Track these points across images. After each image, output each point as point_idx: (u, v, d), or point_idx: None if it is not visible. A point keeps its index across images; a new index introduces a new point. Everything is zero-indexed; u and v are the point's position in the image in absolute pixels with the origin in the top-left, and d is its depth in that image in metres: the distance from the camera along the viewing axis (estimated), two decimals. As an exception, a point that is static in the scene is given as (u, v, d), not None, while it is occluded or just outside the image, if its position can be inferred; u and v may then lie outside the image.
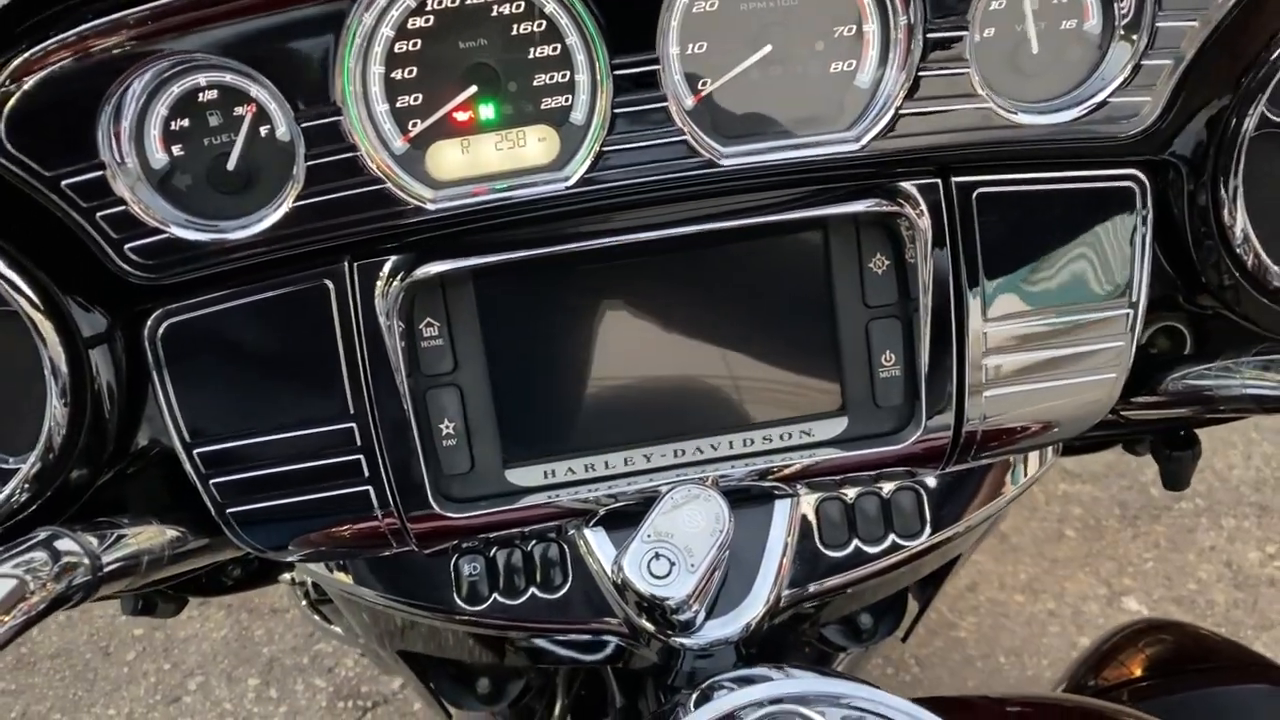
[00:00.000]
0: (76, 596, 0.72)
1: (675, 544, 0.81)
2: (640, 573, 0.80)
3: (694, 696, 0.79)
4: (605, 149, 0.80)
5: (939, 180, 0.83)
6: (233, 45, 0.74)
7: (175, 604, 1.19)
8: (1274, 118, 0.83)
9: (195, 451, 0.84)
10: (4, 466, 0.85)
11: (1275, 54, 0.80)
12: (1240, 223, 0.83)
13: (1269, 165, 0.83)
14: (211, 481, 0.85)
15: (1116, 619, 2.70)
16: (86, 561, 0.72)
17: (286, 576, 1.22)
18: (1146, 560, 2.97)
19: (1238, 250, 0.84)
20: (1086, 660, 1.30)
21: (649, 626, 0.86)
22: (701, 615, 0.84)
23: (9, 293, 0.78)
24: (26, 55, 0.72)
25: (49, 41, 0.71)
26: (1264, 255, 0.84)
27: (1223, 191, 0.83)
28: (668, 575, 0.80)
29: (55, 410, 0.82)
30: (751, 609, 0.89)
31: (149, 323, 0.81)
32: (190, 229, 0.79)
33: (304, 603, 1.38)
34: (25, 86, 0.72)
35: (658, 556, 0.81)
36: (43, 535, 0.73)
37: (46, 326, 0.80)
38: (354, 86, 0.77)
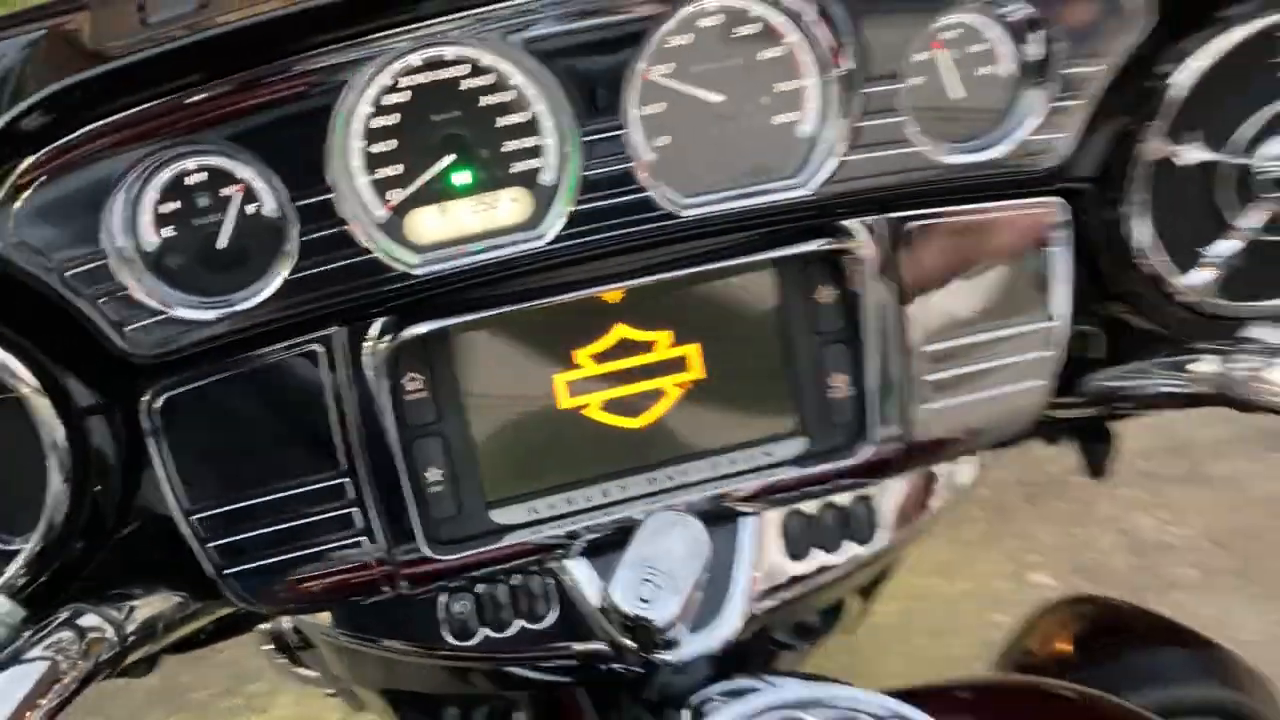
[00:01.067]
0: (105, 671, 0.75)
1: (659, 568, 0.87)
2: (629, 599, 0.86)
3: (687, 715, 0.85)
4: (576, 208, 0.85)
5: (877, 216, 0.91)
6: (228, 133, 0.78)
7: (147, 663, 1.21)
8: (1168, 144, 0.92)
9: (193, 518, 0.88)
10: (6, 548, 0.87)
11: (1165, 87, 0.90)
12: (1142, 237, 0.93)
13: (1169, 184, 0.93)
14: (209, 545, 0.88)
15: (1027, 594, 2.85)
16: (112, 634, 0.75)
17: (264, 626, 1.25)
18: (1050, 535, 3.14)
19: (1140, 261, 0.94)
20: (1017, 641, 1.39)
21: (633, 645, 0.92)
22: (685, 633, 0.90)
23: (7, 376, 0.81)
24: (37, 156, 0.74)
25: (60, 142, 0.74)
26: (1163, 266, 0.94)
27: (1126, 209, 0.93)
28: (654, 600, 0.86)
29: (56, 489, 0.84)
30: (729, 623, 0.95)
31: (146, 397, 0.84)
32: (189, 308, 0.82)
33: (271, 647, 1.40)
34: (36, 185, 0.75)
35: (644, 582, 0.87)
36: (65, 614, 0.75)
37: (45, 407, 0.82)
38: (341, 163, 0.81)
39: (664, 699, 0.95)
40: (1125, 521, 3.13)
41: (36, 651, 0.71)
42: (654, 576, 0.87)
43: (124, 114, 0.75)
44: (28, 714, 0.69)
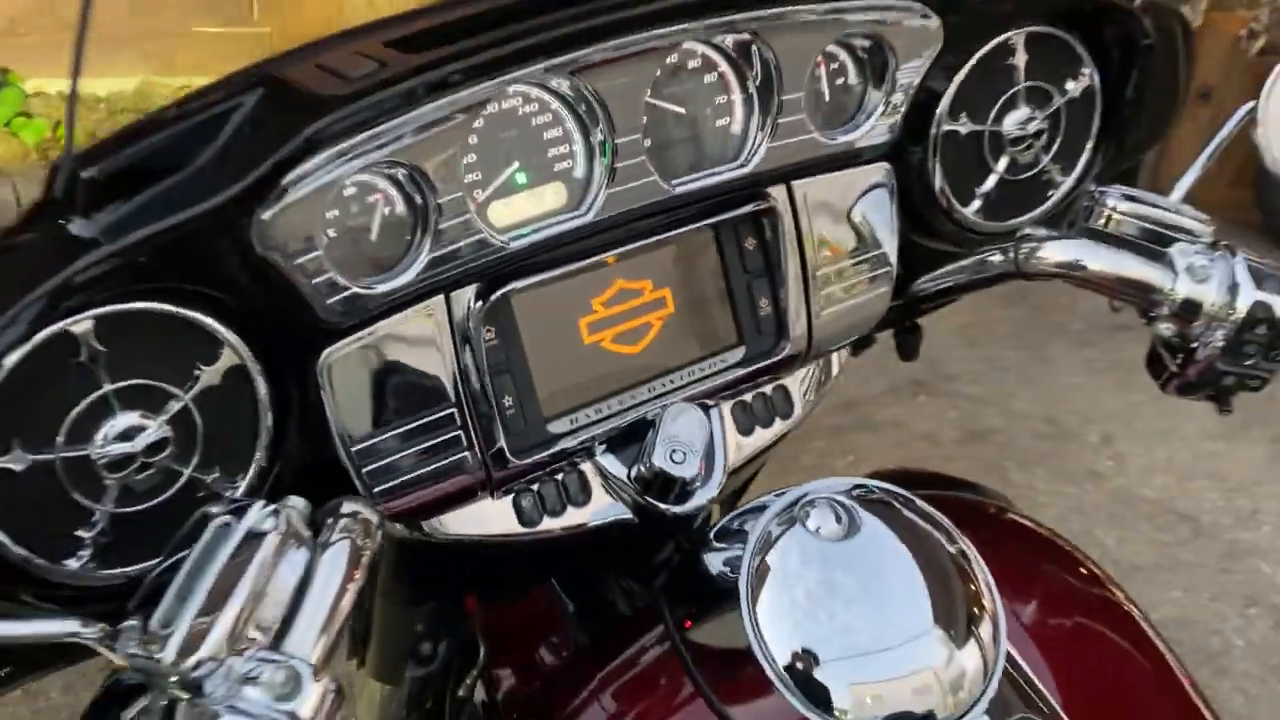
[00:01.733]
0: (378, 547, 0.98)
1: (681, 440, 1.26)
2: (666, 463, 1.23)
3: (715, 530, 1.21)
4: (610, 191, 1.22)
5: (786, 185, 1.34)
6: (401, 156, 1.06)
7: None
8: (951, 122, 1.41)
9: (351, 449, 1.14)
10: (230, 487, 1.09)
11: (947, 84, 1.37)
12: (939, 183, 1.42)
13: (953, 147, 1.42)
14: (362, 470, 1.15)
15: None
16: (373, 515, 1.01)
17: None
18: (761, 486, 3.71)
19: (939, 200, 1.43)
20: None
21: (659, 504, 1.27)
22: (698, 489, 1.28)
23: (229, 348, 1.05)
24: (298, 173, 1.00)
25: (309, 164, 0.99)
26: (954, 201, 1.44)
27: (928, 166, 1.41)
28: (682, 462, 1.25)
29: (264, 441, 1.09)
30: (718, 483, 1.33)
31: (324, 355, 1.10)
32: (365, 286, 1.09)
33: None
34: (294, 198, 1.00)
35: (674, 451, 1.25)
36: (333, 504, 0.99)
37: (259, 372, 1.07)
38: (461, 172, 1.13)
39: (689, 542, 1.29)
40: (823, 468, 3.78)
41: (335, 535, 0.95)
42: (679, 447, 1.26)
43: (346, 143, 1.02)
44: (348, 586, 0.87)
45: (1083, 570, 1.25)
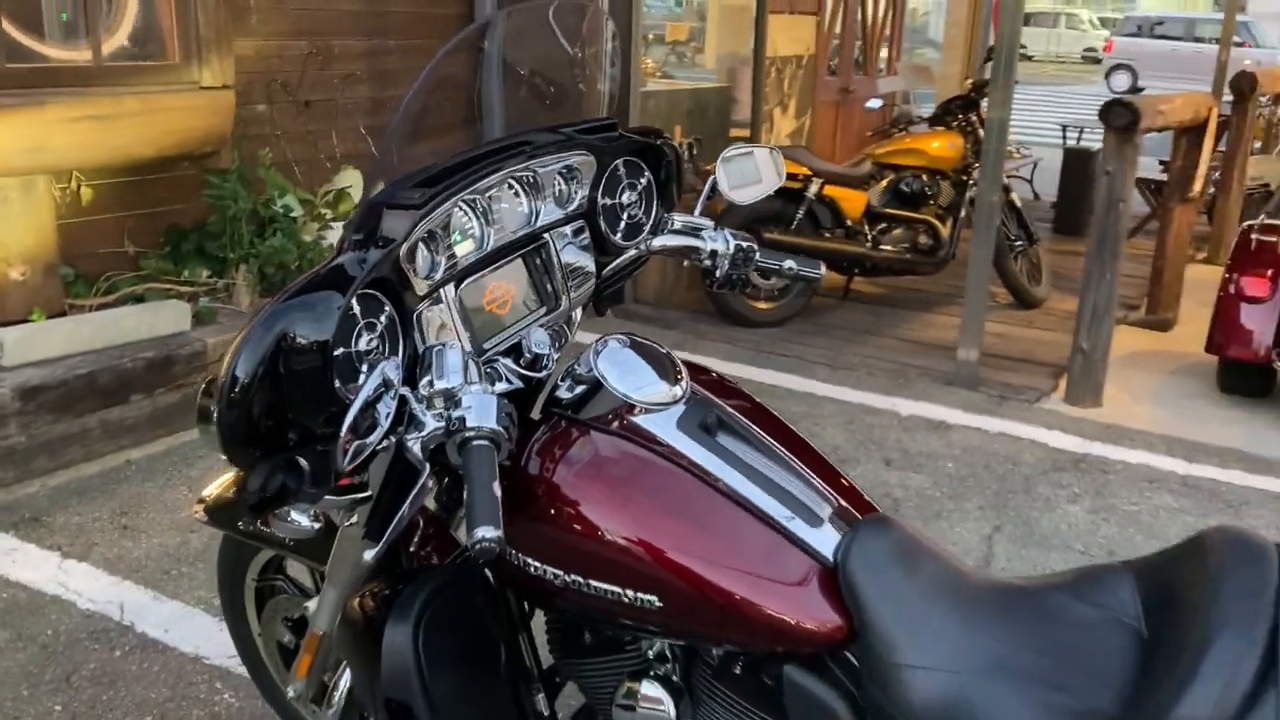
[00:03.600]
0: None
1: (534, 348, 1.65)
2: (530, 352, 1.63)
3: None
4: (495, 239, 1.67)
5: (548, 234, 1.79)
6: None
7: None
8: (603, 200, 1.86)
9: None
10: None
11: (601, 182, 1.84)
12: (603, 227, 1.87)
13: (607, 210, 1.87)
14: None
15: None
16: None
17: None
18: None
19: (605, 234, 1.88)
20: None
21: (531, 374, 1.65)
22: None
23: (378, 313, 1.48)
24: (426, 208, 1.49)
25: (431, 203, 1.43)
26: (610, 234, 1.89)
27: (599, 220, 1.87)
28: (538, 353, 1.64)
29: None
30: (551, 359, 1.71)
31: (419, 308, 1.53)
32: (434, 268, 1.56)
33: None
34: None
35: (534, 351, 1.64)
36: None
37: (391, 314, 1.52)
38: None
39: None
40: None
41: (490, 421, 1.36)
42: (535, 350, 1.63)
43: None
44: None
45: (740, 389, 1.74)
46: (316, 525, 1.49)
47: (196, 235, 4.52)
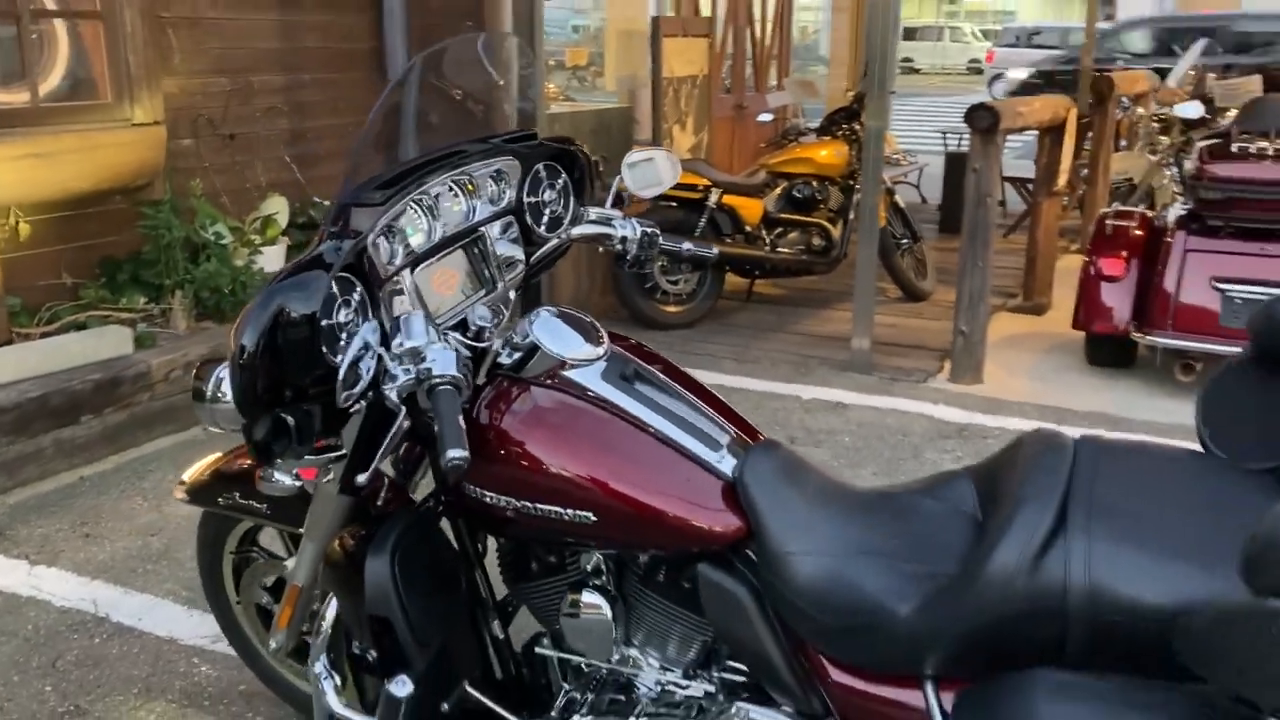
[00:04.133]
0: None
1: (478, 322, 1.96)
2: (475, 325, 1.94)
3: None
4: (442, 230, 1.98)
5: (486, 227, 2.11)
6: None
7: None
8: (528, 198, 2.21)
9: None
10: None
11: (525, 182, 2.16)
12: (529, 220, 2.21)
13: (532, 206, 2.21)
14: None
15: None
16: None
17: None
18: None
19: (531, 227, 2.22)
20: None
21: (477, 344, 1.96)
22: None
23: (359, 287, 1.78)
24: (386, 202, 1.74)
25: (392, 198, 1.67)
26: (535, 227, 2.23)
27: (525, 214, 2.21)
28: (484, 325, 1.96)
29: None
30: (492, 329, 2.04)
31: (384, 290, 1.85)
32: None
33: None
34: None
35: (478, 323, 1.95)
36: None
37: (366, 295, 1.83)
38: None
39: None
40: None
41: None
42: (478, 324, 1.95)
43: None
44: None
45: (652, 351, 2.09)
46: (297, 484, 1.81)
47: (132, 265, 4.75)
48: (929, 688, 1.65)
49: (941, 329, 5.83)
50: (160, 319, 4.70)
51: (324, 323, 1.70)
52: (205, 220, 4.85)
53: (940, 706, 1.64)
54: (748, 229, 6.14)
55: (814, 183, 6.26)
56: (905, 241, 6.48)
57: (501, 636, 2.15)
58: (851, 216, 6.22)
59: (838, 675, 1.74)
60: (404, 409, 1.72)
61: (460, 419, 1.62)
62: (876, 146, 5.10)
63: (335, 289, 1.74)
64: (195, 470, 2.40)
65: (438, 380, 1.67)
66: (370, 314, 1.81)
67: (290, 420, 1.71)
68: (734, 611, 1.81)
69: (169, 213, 4.64)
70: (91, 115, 4.42)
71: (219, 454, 2.35)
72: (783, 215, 6.24)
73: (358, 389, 1.70)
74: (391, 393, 1.70)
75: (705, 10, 8.91)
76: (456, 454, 1.56)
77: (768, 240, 6.18)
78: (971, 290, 5.04)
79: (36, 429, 3.96)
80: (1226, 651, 1.31)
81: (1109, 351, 5.31)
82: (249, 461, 2.23)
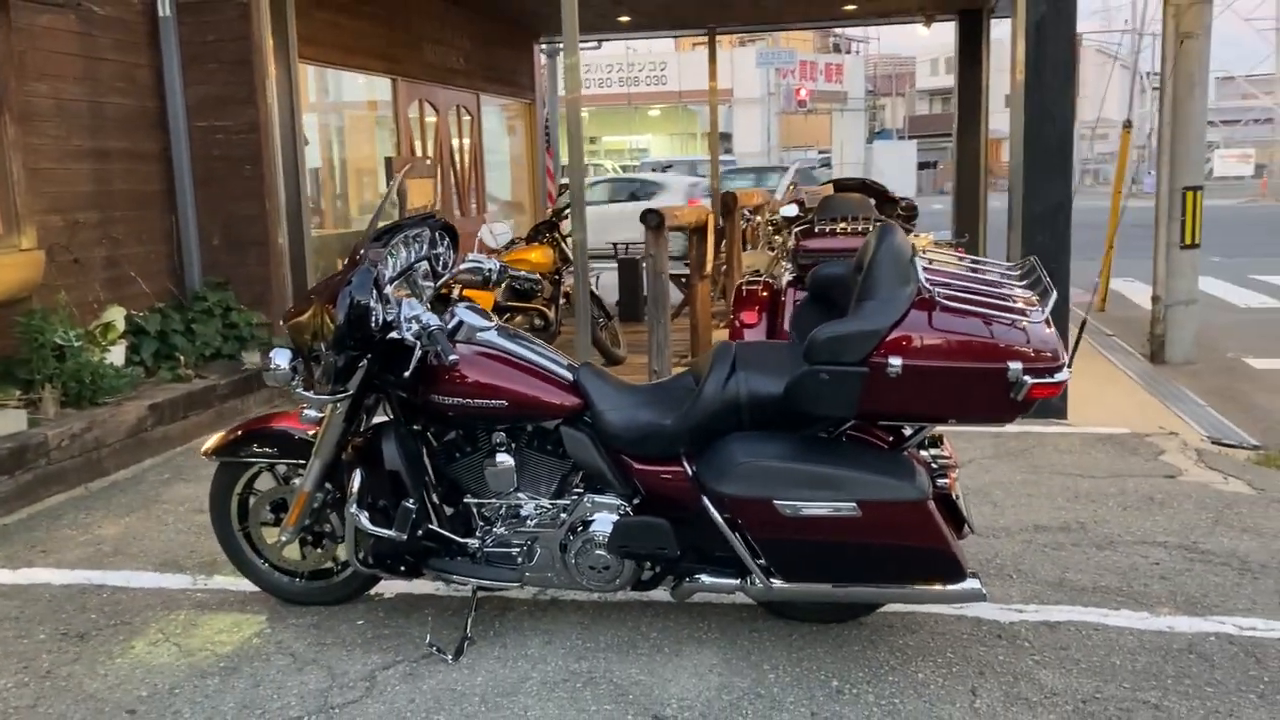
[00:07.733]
0: None
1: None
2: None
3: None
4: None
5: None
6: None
7: None
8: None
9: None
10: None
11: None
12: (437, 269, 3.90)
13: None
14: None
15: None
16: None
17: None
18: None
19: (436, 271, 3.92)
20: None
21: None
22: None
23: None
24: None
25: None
26: (438, 270, 3.92)
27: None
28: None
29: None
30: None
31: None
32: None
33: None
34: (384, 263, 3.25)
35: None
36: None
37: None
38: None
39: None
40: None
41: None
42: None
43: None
44: None
45: (521, 331, 3.78)
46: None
47: (3, 363, 5.84)
48: (684, 460, 3.46)
49: (638, 378, 7.79)
50: (31, 407, 5.80)
51: (370, 304, 3.33)
52: (63, 328, 6.02)
53: (690, 467, 3.45)
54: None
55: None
56: (602, 320, 8.47)
57: (436, 506, 3.74)
58: (562, 302, 8.13)
59: (639, 466, 3.52)
60: (419, 344, 3.35)
61: (446, 344, 3.31)
62: (583, 253, 7.03)
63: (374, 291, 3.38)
64: (216, 438, 3.88)
65: (435, 327, 3.34)
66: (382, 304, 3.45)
67: (338, 363, 3.33)
68: (581, 447, 3.55)
69: (41, 320, 5.80)
70: (-7, 243, 5.59)
71: (228, 428, 3.88)
72: (509, 304, 8.06)
73: (396, 334, 3.37)
74: (410, 335, 3.35)
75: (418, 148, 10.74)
76: (452, 357, 3.25)
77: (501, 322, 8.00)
78: (659, 340, 7.04)
79: (-28, 485, 5.03)
80: (803, 393, 3.21)
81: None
82: (262, 425, 3.77)
